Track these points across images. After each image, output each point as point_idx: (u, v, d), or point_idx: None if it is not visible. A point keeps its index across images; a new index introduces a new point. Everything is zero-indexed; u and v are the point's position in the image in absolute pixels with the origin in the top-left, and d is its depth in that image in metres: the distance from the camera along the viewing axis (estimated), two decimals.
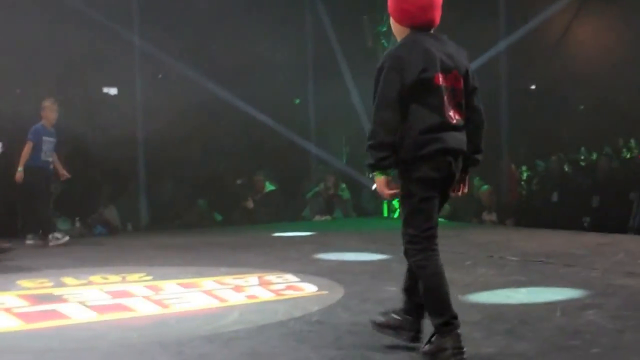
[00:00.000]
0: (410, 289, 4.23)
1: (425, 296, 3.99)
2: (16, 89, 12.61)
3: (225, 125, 13.72)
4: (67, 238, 10.03)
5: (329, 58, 14.15)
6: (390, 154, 3.82)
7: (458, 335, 3.88)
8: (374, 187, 12.44)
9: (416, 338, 4.16)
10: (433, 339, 3.91)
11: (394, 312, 4.28)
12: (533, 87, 15.57)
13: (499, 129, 13.11)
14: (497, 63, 13.15)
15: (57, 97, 10.53)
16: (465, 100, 3.99)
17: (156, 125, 12.61)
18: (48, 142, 10.02)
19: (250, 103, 13.50)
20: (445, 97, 3.86)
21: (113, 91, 13.79)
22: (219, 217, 13.06)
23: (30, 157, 9.85)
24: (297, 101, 15.01)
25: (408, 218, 3.99)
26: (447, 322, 3.88)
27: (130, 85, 13.08)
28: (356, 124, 14.36)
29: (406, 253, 4.07)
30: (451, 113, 3.90)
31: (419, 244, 3.98)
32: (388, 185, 3.92)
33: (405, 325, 4.20)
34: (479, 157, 4.19)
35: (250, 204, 13.12)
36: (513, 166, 13.64)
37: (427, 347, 3.94)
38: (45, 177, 10.01)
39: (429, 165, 3.87)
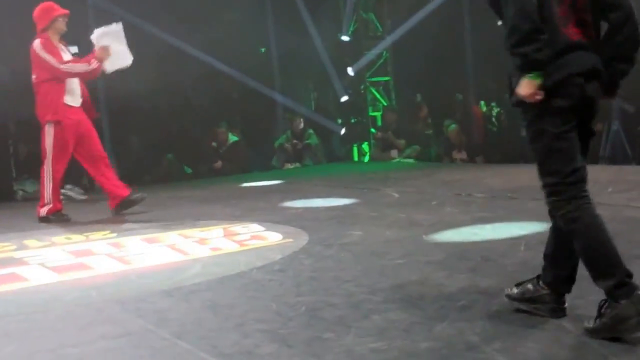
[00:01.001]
0: (552, 255, 3.57)
1: (586, 256, 3.29)
2: None
3: (190, 77, 13.51)
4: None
5: (288, 3, 13.94)
6: (542, 45, 3.15)
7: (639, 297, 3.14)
8: (343, 131, 12.35)
9: (559, 311, 3.49)
10: (604, 309, 3.18)
11: (531, 282, 3.64)
12: (500, 22, 15.40)
13: (464, 66, 13.01)
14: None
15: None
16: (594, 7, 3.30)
17: (118, 82, 12.36)
18: None
19: (213, 54, 13.30)
20: (565, 13, 3.25)
21: (74, 49, 13.51)
22: (188, 170, 12.96)
23: None
24: (263, 50, 14.82)
25: (543, 164, 3.37)
26: (622, 283, 3.15)
27: (88, 43, 12.81)
28: (321, 69, 14.22)
29: (550, 209, 3.40)
30: (575, 30, 3.27)
31: (564, 193, 3.30)
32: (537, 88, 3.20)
33: (544, 297, 3.53)
34: (626, 66, 3.37)
35: (219, 165, 13.01)
36: (482, 103, 13.59)
37: (598, 323, 3.19)
38: None
39: (556, 93, 3.23)
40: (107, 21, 8.60)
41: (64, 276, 5.16)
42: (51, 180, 7.84)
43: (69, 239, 6.62)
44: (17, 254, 6.02)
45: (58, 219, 7.85)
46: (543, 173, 3.37)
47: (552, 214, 3.42)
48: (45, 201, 7.85)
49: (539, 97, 3.20)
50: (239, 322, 3.82)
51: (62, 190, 9.91)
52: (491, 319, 3.56)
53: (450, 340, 3.31)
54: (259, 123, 14.15)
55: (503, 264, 4.71)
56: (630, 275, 3.17)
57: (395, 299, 4.02)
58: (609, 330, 3.13)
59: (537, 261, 4.62)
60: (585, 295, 3.68)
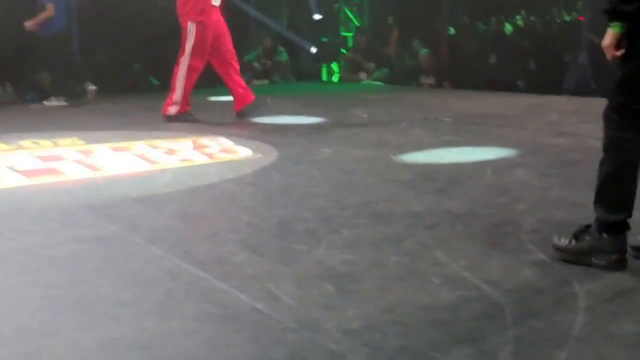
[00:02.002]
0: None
1: (605, 182, 3.19)
2: None
3: None
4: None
5: None
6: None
7: (624, 240, 3.18)
8: (314, 50, 12.26)
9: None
10: (583, 234, 3.23)
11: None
12: None
13: None
14: None
15: None
16: None
17: None
18: None
19: None
20: None
21: None
22: (155, 82, 12.85)
23: None
24: None
25: (622, 82, 3.20)
26: (618, 223, 3.17)
27: None
28: None
29: (605, 123, 3.27)
30: None
31: (627, 118, 3.17)
32: (619, 43, 3.11)
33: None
34: None
35: None
36: (451, 29, 13.58)
37: (572, 244, 3.24)
38: None
39: None
40: None
41: (33, 180, 5.17)
42: (184, 80, 7.90)
43: (36, 144, 6.59)
44: None
45: (186, 119, 7.94)
46: (617, 89, 3.21)
47: (604, 128, 3.27)
48: (174, 100, 7.89)
49: (617, 54, 3.12)
50: (211, 231, 3.89)
51: (46, 103, 9.94)
52: (457, 238, 3.67)
53: (417, 255, 3.41)
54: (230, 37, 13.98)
55: (469, 186, 4.81)
56: (629, 216, 3.17)
57: (365, 215, 4.10)
58: (580, 256, 3.21)
59: (503, 184, 4.77)
60: (549, 219, 3.80)
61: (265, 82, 13.54)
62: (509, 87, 11.29)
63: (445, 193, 4.60)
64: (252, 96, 8.20)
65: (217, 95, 10.99)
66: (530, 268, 3.20)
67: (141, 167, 5.64)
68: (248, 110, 8.17)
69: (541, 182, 4.86)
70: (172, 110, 7.95)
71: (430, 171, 5.30)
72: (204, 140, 6.71)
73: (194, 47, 7.82)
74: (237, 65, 8.24)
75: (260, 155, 6.00)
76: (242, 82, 8.26)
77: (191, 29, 7.82)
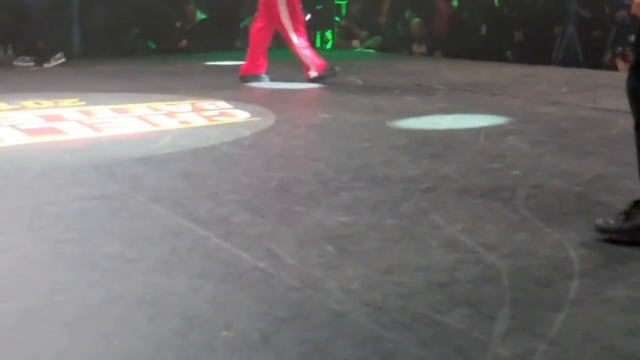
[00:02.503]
0: None
1: None
2: None
3: None
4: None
5: None
6: None
7: None
8: (308, 17, 12.20)
9: None
10: (635, 210, 3.09)
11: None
12: None
13: None
14: None
15: None
16: None
17: None
18: None
19: None
20: None
21: None
22: (152, 45, 12.86)
23: None
24: None
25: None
26: None
27: None
28: None
29: (631, 99, 3.12)
30: None
31: None
32: None
33: None
34: None
35: (183, 43, 12.91)
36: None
37: (627, 224, 3.09)
38: None
39: None
40: None
41: (36, 139, 5.25)
42: (305, 48, 8.18)
43: (38, 104, 6.65)
44: None
45: (329, 74, 8.21)
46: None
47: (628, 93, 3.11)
48: (312, 64, 8.13)
49: None
50: (212, 191, 3.98)
51: (46, 65, 10.10)
52: (453, 202, 3.76)
53: (414, 218, 3.50)
54: (227, 2, 13.98)
55: (464, 151, 4.91)
56: None
57: (362, 179, 4.19)
58: (636, 233, 3.08)
59: (496, 151, 4.87)
60: (542, 185, 3.91)
61: None
62: (499, 57, 11.41)
63: (441, 158, 4.70)
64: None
65: (214, 60, 11.03)
66: (525, 233, 3.29)
67: (142, 128, 5.71)
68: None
69: (533, 149, 4.96)
70: (313, 73, 8.17)
71: (425, 137, 5.39)
72: (203, 103, 6.77)
73: (290, 19, 8.03)
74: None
75: (258, 119, 6.08)
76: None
77: (282, 6, 7.99)
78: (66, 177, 4.25)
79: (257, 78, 8.39)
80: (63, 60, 10.31)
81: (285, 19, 7.99)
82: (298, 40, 8.09)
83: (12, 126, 5.59)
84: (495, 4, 13.07)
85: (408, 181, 4.14)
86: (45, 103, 6.69)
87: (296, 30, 8.11)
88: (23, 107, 6.47)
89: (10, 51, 11.44)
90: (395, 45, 13.20)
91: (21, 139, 5.23)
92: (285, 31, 8.10)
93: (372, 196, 3.86)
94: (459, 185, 4.06)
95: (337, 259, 2.98)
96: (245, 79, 8.40)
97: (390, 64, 10.70)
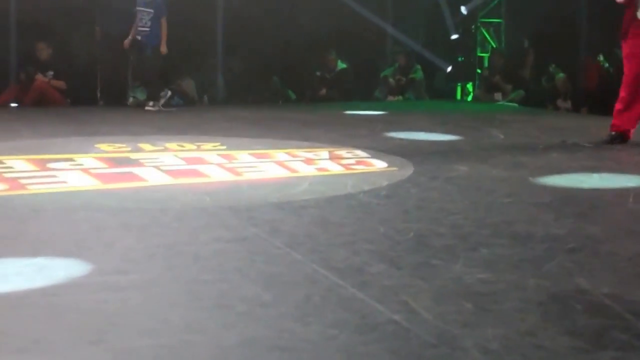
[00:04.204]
0: None
1: None
2: None
3: (304, 3, 13.52)
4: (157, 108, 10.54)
5: None
6: None
7: None
8: (449, 69, 12.28)
9: None
10: None
11: None
12: None
13: (576, 16, 12.71)
14: None
15: None
16: None
17: (236, 3, 12.57)
18: (142, 12, 10.40)
19: None
20: None
21: None
22: (292, 96, 13.09)
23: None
24: None
25: None
26: None
27: None
28: (434, 5, 14.06)
29: None
30: None
31: None
32: None
33: None
34: None
35: (323, 92, 13.11)
36: (592, 56, 13.27)
37: None
38: (134, 49, 10.60)
39: None
40: None
41: (178, 180, 5.38)
42: None
43: (181, 146, 6.84)
44: (133, 156, 6.27)
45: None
46: None
47: None
48: None
49: None
50: (348, 240, 3.93)
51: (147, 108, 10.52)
52: (600, 264, 3.58)
53: (558, 279, 3.34)
54: (367, 53, 14.10)
55: (611, 212, 4.71)
56: None
57: (503, 235, 4.06)
58: None
59: None
60: None
61: (399, 98, 13.58)
62: None
63: (587, 218, 4.51)
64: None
65: (353, 110, 11.10)
66: None
67: (280, 174, 5.77)
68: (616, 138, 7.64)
69: None
70: None
71: (571, 195, 5.21)
72: (341, 151, 6.79)
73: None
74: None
75: (395, 169, 6.03)
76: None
77: None
78: (205, 219, 4.31)
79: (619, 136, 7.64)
80: (169, 95, 10.79)
81: None
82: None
83: (156, 167, 5.76)
84: None
85: (551, 240, 3.98)
86: (188, 146, 6.87)
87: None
88: (166, 149, 6.66)
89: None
90: (539, 99, 12.92)
91: (164, 180, 5.37)
92: None
93: (514, 254, 3.72)
94: (606, 247, 3.87)
95: (476, 317, 2.87)
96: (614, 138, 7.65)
97: (533, 119, 10.47)
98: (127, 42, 10.62)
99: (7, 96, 11.21)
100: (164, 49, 10.49)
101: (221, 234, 3.99)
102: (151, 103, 10.55)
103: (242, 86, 12.56)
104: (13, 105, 11.08)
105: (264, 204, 4.72)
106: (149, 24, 10.39)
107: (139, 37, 10.51)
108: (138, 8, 10.46)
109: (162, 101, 10.60)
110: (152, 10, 10.41)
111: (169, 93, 10.82)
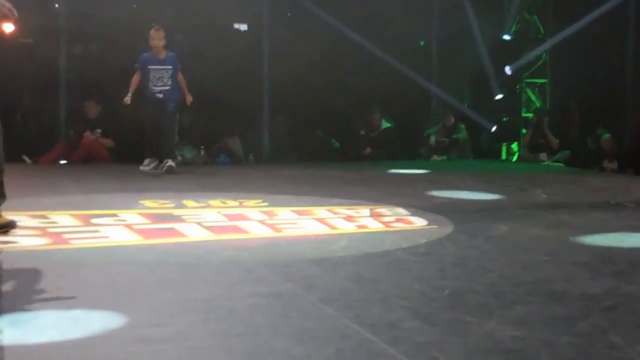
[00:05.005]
0: None
1: None
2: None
3: (349, 63, 13.73)
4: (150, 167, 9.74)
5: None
6: None
7: None
8: (494, 129, 12.32)
9: None
10: None
11: None
12: None
13: (623, 76, 12.69)
14: (627, 9, 12.67)
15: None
16: None
17: (282, 62, 12.81)
18: (156, 70, 9.76)
19: (376, 44, 13.44)
20: None
21: (243, 27, 13.98)
22: (336, 144, 13.20)
23: (142, 86, 9.76)
24: (422, 43, 14.89)
25: None
26: None
27: (259, 22, 13.30)
28: (478, 66, 14.14)
29: None
30: None
31: None
32: None
33: None
34: None
35: (367, 151, 13.23)
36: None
37: None
38: (153, 108, 9.76)
39: None
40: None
41: (218, 236, 5.45)
42: None
43: (224, 203, 6.93)
44: (176, 212, 6.36)
45: None
46: None
47: None
48: None
49: None
50: (382, 296, 3.95)
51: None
52: (635, 322, 3.55)
53: (591, 337, 3.32)
54: (411, 112, 14.22)
55: None
56: None
57: (539, 293, 4.05)
58: None
59: None
60: None
61: (444, 157, 13.61)
62: None
63: (625, 277, 4.46)
64: None
65: (397, 168, 11.15)
66: None
67: (320, 230, 5.81)
68: None
69: None
70: None
71: (610, 254, 5.16)
72: (382, 209, 6.83)
73: None
74: None
75: (435, 227, 6.04)
76: None
77: None
78: (242, 274, 4.36)
79: None
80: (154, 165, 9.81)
81: None
82: None
83: (198, 223, 5.85)
84: None
85: (587, 299, 3.95)
86: (231, 203, 6.96)
87: None
88: (209, 206, 6.76)
89: (202, 152, 12.09)
90: (584, 160, 12.85)
91: (204, 236, 5.45)
92: None
93: (548, 311, 3.70)
94: None
95: None
96: None
97: (578, 179, 10.40)
98: (127, 99, 9.57)
99: (56, 153, 11.50)
100: (189, 98, 9.89)
101: (257, 289, 4.04)
102: (146, 162, 9.73)
103: (287, 145, 12.72)
104: (62, 162, 11.36)
105: (301, 259, 4.76)
106: (170, 81, 9.78)
107: (160, 96, 9.74)
108: (151, 67, 9.73)
109: (152, 165, 9.77)
110: (171, 67, 9.84)
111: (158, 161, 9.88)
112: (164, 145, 9.85)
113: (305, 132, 13.14)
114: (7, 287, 4.00)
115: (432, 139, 13.77)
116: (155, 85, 9.78)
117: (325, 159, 12.54)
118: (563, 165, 12.97)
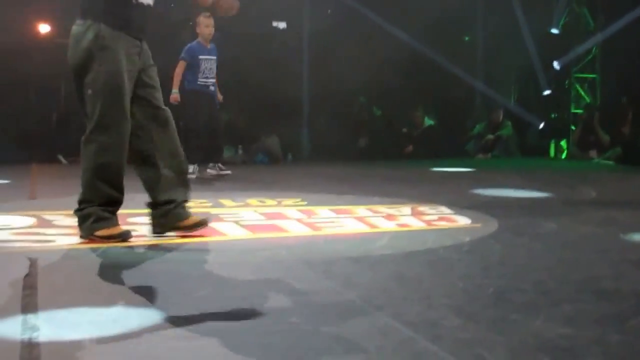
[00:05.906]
0: None
1: None
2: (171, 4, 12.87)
3: (391, 60, 13.61)
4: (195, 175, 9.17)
5: None
6: None
7: None
8: (541, 125, 12.17)
9: None
10: None
11: None
12: None
13: None
14: None
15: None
16: None
17: (322, 60, 12.74)
18: (207, 61, 9.24)
19: (419, 39, 13.30)
20: None
21: (282, 25, 13.94)
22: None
23: (187, 79, 9.20)
24: (467, 38, 14.71)
25: None
26: None
27: (298, 20, 13.26)
28: (525, 61, 13.92)
29: None
30: None
31: None
32: None
33: None
34: None
35: (409, 149, 13.09)
36: None
37: None
38: (207, 101, 9.24)
39: None
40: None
41: (256, 234, 5.37)
42: None
43: (262, 202, 6.86)
44: (214, 211, 6.29)
45: None
46: None
47: None
48: None
49: None
50: (424, 295, 3.82)
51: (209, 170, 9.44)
52: None
53: None
54: (456, 109, 14.06)
55: None
56: None
57: (587, 291, 3.89)
58: None
59: None
60: None
61: (489, 155, 13.41)
62: None
63: None
64: None
65: (440, 167, 11.00)
66: None
67: (360, 229, 5.69)
68: None
69: None
70: None
71: None
72: (424, 207, 6.69)
73: None
74: None
75: (479, 225, 5.89)
76: None
77: None
78: (280, 272, 4.26)
79: None
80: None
81: None
82: None
83: (236, 222, 5.77)
84: None
85: (638, 297, 3.79)
86: (269, 202, 6.88)
87: None
88: (247, 205, 6.68)
89: (240, 151, 12.04)
90: (636, 158, 12.55)
91: (242, 234, 5.36)
92: None
93: (597, 309, 3.55)
94: None
95: None
96: None
97: (629, 177, 10.17)
98: (175, 96, 8.91)
99: None
100: (221, 96, 9.46)
101: (295, 286, 3.94)
102: (192, 168, 8.86)
103: (327, 144, 12.63)
104: None
105: (341, 258, 4.65)
106: (209, 73, 9.24)
107: (212, 89, 9.24)
108: (202, 57, 9.17)
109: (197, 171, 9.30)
110: (216, 58, 9.30)
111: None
112: (219, 144, 9.49)
113: (347, 134, 13.03)
114: (44, 285, 3.94)
115: (479, 137, 13.59)
116: (207, 77, 9.22)
117: (366, 158, 12.42)
118: (614, 163, 12.69)
